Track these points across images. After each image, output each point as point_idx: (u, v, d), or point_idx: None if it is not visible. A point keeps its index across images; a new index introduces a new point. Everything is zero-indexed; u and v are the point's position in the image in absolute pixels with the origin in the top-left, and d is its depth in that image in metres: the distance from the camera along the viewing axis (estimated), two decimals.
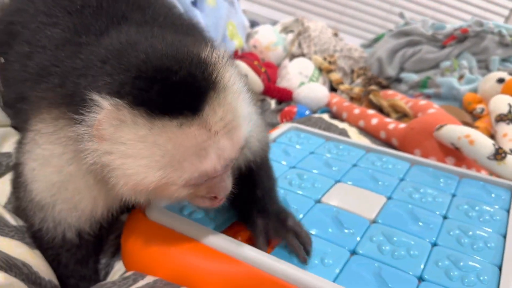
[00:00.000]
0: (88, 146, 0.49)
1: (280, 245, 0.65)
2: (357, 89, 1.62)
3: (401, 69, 1.90)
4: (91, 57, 0.52)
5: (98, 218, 0.62)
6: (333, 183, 0.85)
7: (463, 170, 0.94)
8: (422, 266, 0.62)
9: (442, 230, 0.71)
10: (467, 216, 0.76)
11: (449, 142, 1.03)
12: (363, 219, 0.72)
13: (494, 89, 1.45)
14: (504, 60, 1.75)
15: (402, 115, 1.37)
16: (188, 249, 0.62)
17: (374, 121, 1.30)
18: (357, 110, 1.37)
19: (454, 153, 1.06)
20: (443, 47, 1.85)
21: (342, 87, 1.68)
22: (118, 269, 0.71)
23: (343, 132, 1.26)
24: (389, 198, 0.81)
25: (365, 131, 1.32)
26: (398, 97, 1.50)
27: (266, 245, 0.65)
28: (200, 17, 1.54)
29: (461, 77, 1.68)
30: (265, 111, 1.52)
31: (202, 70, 0.49)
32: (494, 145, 0.96)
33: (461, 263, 0.63)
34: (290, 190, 0.80)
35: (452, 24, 1.93)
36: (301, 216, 0.72)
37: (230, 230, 0.69)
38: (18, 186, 0.63)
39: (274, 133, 1.07)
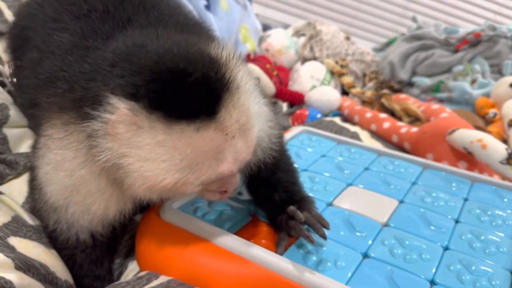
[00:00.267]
0: (102, 144, 0.49)
1: (293, 247, 0.65)
2: (369, 93, 1.62)
3: (414, 73, 1.89)
4: (99, 61, 0.52)
5: (110, 220, 0.63)
6: (344, 186, 0.85)
7: (475, 174, 0.94)
8: (434, 270, 0.62)
9: (454, 234, 0.71)
10: (479, 221, 0.76)
11: (461, 146, 1.03)
12: (375, 223, 0.73)
13: (507, 94, 1.44)
14: None
15: (414, 119, 1.37)
16: (201, 250, 0.63)
17: (386, 124, 1.30)
18: (369, 114, 1.37)
19: (466, 157, 1.05)
20: (455, 51, 1.84)
21: (354, 90, 1.68)
22: (132, 269, 0.71)
23: (355, 136, 1.26)
24: (401, 201, 0.81)
25: (377, 135, 1.32)
26: (411, 101, 1.49)
27: (284, 245, 0.65)
28: (214, 21, 1.56)
29: (473, 82, 1.67)
30: (276, 114, 1.53)
31: (215, 70, 0.49)
32: (506, 149, 0.96)
33: (473, 267, 0.63)
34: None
35: (465, 28, 1.92)
36: None
37: (243, 232, 0.70)
38: (34, 188, 0.65)
39: (286, 136, 1.07)
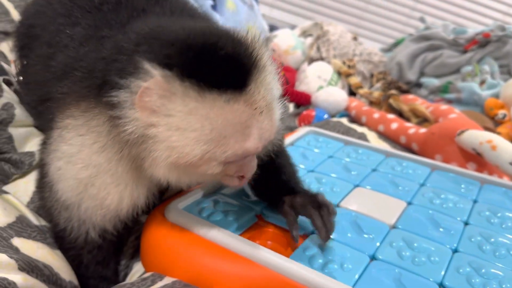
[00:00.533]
0: (129, 115, 0.50)
1: (299, 249, 0.64)
2: (376, 93, 1.61)
3: (422, 73, 1.88)
4: (121, 44, 0.53)
5: (123, 216, 0.63)
6: (352, 187, 0.84)
7: (484, 175, 0.92)
8: (442, 273, 0.61)
9: (463, 236, 0.70)
10: (489, 223, 0.75)
11: (470, 147, 1.02)
12: (382, 224, 0.72)
13: None
14: None
15: (423, 120, 1.36)
16: (206, 251, 0.62)
17: (394, 125, 1.29)
18: (376, 115, 1.36)
19: (475, 158, 1.04)
20: (464, 51, 1.83)
21: (361, 91, 1.67)
22: (136, 270, 0.71)
23: (362, 136, 1.25)
24: (409, 203, 0.80)
25: (385, 136, 1.31)
26: (419, 102, 1.48)
27: (296, 225, 0.65)
28: (220, 21, 1.55)
29: (482, 82, 1.65)
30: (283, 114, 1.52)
31: (244, 48, 0.51)
32: None
33: (483, 270, 0.62)
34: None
35: (473, 29, 1.91)
36: None
37: (249, 233, 0.69)
38: (43, 186, 0.64)
39: (292, 136, 1.07)
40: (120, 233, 0.67)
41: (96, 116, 0.54)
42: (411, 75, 1.86)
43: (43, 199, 0.66)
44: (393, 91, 1.54)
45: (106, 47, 0.56)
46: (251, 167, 0.57)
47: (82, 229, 0.63)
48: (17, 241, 0.60)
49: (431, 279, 0.60)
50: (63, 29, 0.66)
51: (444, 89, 1.72)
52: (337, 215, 0.73)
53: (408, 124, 1.28)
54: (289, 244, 0.68)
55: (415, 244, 0.67)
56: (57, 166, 0.59)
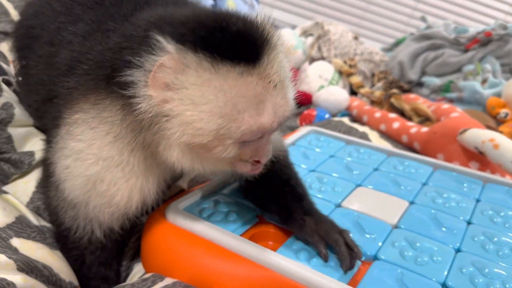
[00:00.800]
0: (143, 93, 0.50)
1: (286, 244, 0.64)
2: (378, 93, 1.61)
3: (423, 73, 1.87)
4: (129, 32, 0.54)
5: (131, 213, 0.63)
6: (353, 187, 0.84)
7: (487, 174, 0.92)
8: (445, 273, 0.61)
9: (466, 236, 0.70)
10: (492, 222, 0.74)
11: (473, 146, 1.01)
12: (385, 224, 0.71)
13: None
14: None
15: (424, 119, 1.35)
16: (207, 251, 0.62)
17: (396, 124, 1.28)
18: (378, 114, 1.36)
19: (478, 157, 1.04)
20: (466, 50, 1.82)
21: (362, 90, 1.66)
22: (137, 271, 0.71)
23: (364, 136, 1.24)
24: (411, 202, 0.79)
25: (386, 135, 1.30)
26: (420, 101, 1.47)
27: (323, 243, 0.61)
28: None
29: (484, 81, 1.65)
30: None
31: (255, 25, 0.52)
32: None
33: (486, 270, 0.61)
34: (310, 194, 0.79)
35: (475, 28, 1.90)
36: None
37: (250, 233, 0.68)
38: (48, 185, 0.64)
39: (294, 136, 1.06)
40: (123, 233, 0.67)
41: (107, 107, 0.55)
42: (413, 74, 1.86)
43: (48, 198, 0.66)
44: (395, 90, 1.54)
45: (113, 38, 0.56)
46: (267, 151, 0.57)
47: (87, 228, 0.63)
48: (16, 242, 0.60)
49: (434, 279, 0.59)
50: (64, 27, 0.66)
51: (446, 88, 1.72)
52: (339, 215, 0.73)
53: (409, 123, 1.28)
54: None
55: (418, 244, 0.66)
56: (65, 164, 0.59)
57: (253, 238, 0.65)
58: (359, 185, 0.85)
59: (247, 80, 0.49)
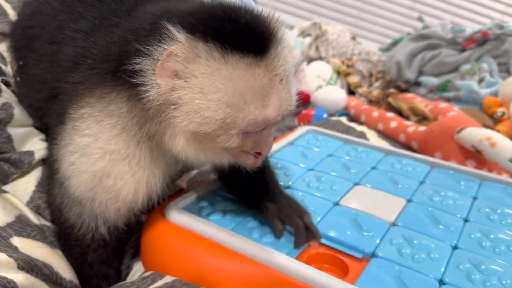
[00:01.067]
0: (151, 81, 0.51)
1: (242, 222, 0.67)
2: (375, 92, 1.61)
3: (420, 72, 1.88)
4: (134, 25, 0.55)
5: (137, 208, 0.63)
6: (351, 185, 0.84)
7: (484, 172, 0.92)
8: (442, 269, 0.61)
9: (463, 233, 0.70)
10: (489, 219, 0.75)
11: (470, 144, 1.02)
12: (382, 222, 0.72)
13: None
14: None
15: (422, 118, 1.36)
16: (206, 249, 0.62)
17: (393, 124, 1.29)
18: (375, 113, 1.36)
19: (475, 156, 1.04)
20: (463, 50, 1.83)
21: (360, 90, 1.67)
22: (137, 270, 0.71)
23: (362, 135, 1.25)
24: (409, 200, 0.80)
25: (384, 134, 1.31)
26: (418, 100, 1.48)
27: (281, 227, 0.65)
28: None
29: (481, 81, 1.65)
30: None
31: (262, 19, 0.53)
32: None
33: (483, 267, 0.62)
34: (308, 193, 0.80)
35: (471, 28, 1.91)
36: (318, 219, 0.71)
37: None
38: (52, 182, 0.64)
39: (292, 135, 1.06)
40: (126, 231, 0.68)
41: (113, 100, 0.56)
42: (410, 74, 1.86)
43: (51, 196, 0.66)
44: (392, 90, 1.54)
45: (117, 32, 0.57)
46: (268, 143, 0.58)
47: (92, 224, 0.63)
48: (16, 240, 0.60)
49: (431, 276, 0.60)
50: (66, 24, 0.67)
51: (443, 88, 1.72)
52: (337, 213, 0.73)
53: (407, 123, 1.28)
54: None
55: (415, 241, 0.67)
56: (70, 161, 0.59)
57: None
58: (357, 184, 0.85)
59: (255, 72, 0.50)
